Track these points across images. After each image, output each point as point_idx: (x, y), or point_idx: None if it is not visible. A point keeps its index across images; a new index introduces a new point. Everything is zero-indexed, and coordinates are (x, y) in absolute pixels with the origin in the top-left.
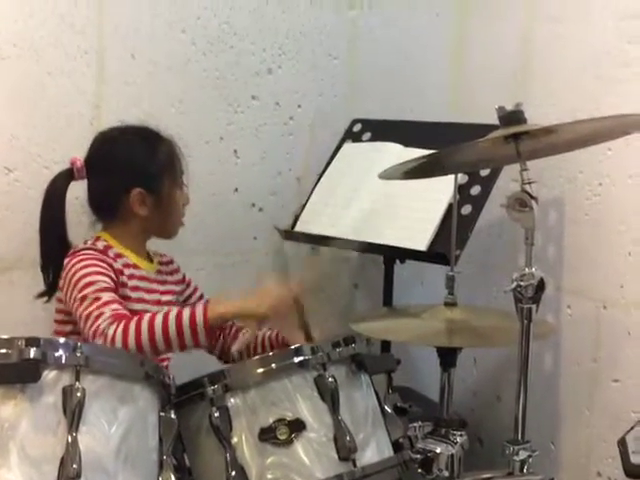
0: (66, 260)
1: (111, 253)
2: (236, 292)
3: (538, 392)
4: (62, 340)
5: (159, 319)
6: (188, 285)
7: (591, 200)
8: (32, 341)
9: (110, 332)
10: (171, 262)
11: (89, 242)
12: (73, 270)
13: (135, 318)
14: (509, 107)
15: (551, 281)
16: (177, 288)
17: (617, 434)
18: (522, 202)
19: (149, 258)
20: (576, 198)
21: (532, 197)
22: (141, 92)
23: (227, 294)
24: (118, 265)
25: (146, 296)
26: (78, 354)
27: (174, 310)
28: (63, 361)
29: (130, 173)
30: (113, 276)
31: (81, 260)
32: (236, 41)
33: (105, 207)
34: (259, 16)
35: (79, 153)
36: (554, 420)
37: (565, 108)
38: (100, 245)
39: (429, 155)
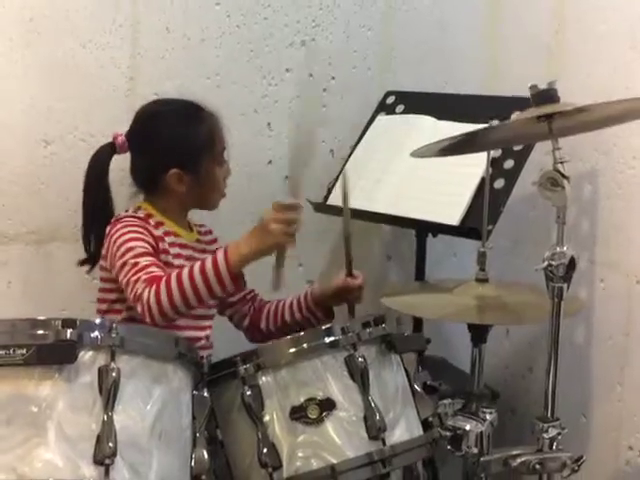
0: (108, 228)
1: (152, 221)
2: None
3: (570, 366)
4: (98, 321)
5: (185, 273)
6: None
7: (625, 174)
8: (69, 322)
9: (145, 296)
10: (210, 232)
11: (130, 210)
12: (115, 237)
13: (164, 278)
14: (542, 85)
15: (584, 255)
16: None
17: None
18: (554, 181)
19: (189, 228)
20: (610, 172)
21: (564, 176)
22: (175, 65)
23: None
24: (159, 233)
25: (187, 264)
26: (113, 335)
27: (197, 262)
28: (99, 342)
29: (168, 153)
30: (152, 242)
31: (122, 227)
32: (270, 13)
33: (145, 182)
34: None
35: (115, 125)
36: (585, 394)
37: (599, 80)
38: (141, 214)
39: (462, 134)
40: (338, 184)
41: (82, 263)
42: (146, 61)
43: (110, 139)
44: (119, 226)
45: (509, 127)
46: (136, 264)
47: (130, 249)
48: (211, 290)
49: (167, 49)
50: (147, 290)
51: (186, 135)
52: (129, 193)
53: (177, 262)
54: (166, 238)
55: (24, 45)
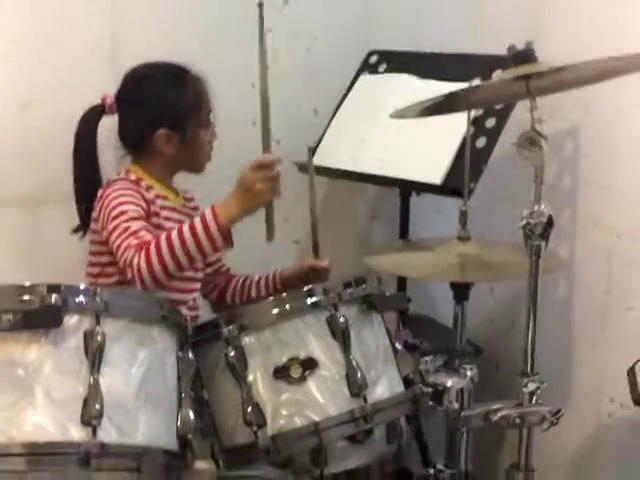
0: (100, 191)
1: (143, 184)
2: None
3: (551, 321)
4: (82, 286)
5: (174, 235)
6: None
7: (606, 131)
8: (53, 288)
9: (135, 262)
10: (192, 199)
11: (122, 174)
12: (107, 200)
13: (153, 242)
14: (520, 45)
15: (566, 212)
16: None
17: (629, 363)
18: (532, 141)
19: (175, 192)
20: (591, 129)
21: (541, 136)
22: (159, 26)
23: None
24: (150, 196)
25: (175, 227)
26: (98, 299)
27: (186, 223)
28: (84, 306)
29: (156, 113)
30: (144, 205)
31: (114, 190)
32: None
33: (134, 143)
34: None
35: (98, 89)
36: (567, 349)
37: (581, 36)
38: (132, 176)
39: (441, 96)
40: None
41: (76, 230)
42: (129, 24)
43: (95, 101)
44: (111, 189)
45: (488, 88)
46: (127, 228)
47: (122, 212)
48: (202, 249)
49: (149, 8)
50: (137, 255)
51: (174, 96)
52: (117, 156)
53: (168, 224)
54: (157, 201)
55: (7, 11)
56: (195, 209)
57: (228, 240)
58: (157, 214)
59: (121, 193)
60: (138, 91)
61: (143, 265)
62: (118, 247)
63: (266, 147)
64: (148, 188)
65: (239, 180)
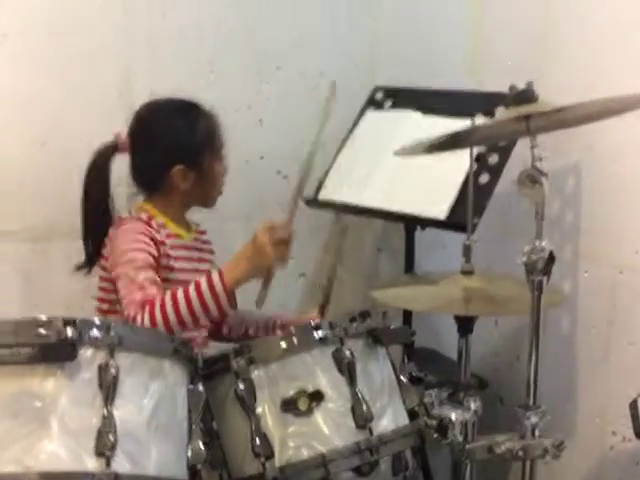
0: (111, 230)
1: (154, 224)
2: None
3: (556, 354)
4: (97, 320)
5: (180, 295)
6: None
7: (608, 168)
8: (69, 321)
9: (138, 319)
10: (204, 232)
11: (133, 212)
12: (117, 242)
13: (158, 300)
14: (521, 85)
15: (569, 247)
16: (211, 257)
17: (631, 395)
18: (533, 178)
19: (188, 227)
20: (593, 166)
21: (542, 173)
22: (170, 61)
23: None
24: (161, 236)
25: (186, 265)
26: (112, 333)
27: (192, 284)
28: (98, 340)
29: (172, 150)
30: (153, 251)
31: (125, 233)
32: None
33: (148, 181)
34: None
35: (110, 124)
36: (571, 381)
37: (583, 74)
38: (144, 216)
39: (445, 135)
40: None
41: (79, 268)
42: (140, 60)
43: (105, 137)
44: (123, 231)
45: (490, 126)
46: (133, 280)
47: (130, 261)
48: (207, 311)
49: (160, 48)
50: (140, 313)
51: (187, 132)
52: (127, 194)
53: (178, 265)
54: (167, 241)
55: (19, 46)
56: (206, 243)
57: (232, 301)
58: (168, 255)
59: (131, 238)
60: (151, 129)
61: (147, 323)
62: (123, 298)
63: (292, 213)
64: (160, 227)
65: (252, 239)
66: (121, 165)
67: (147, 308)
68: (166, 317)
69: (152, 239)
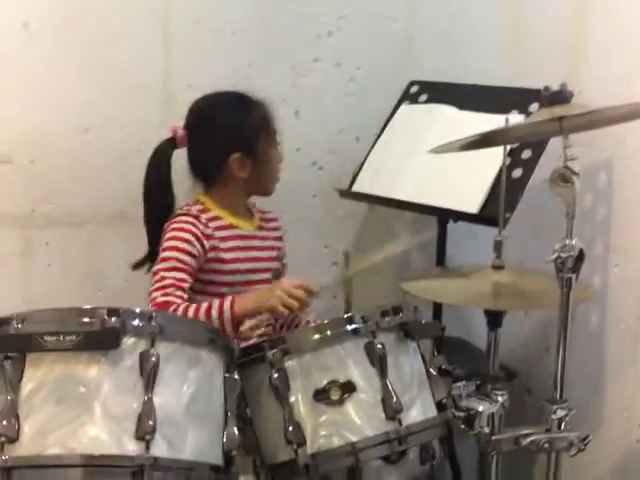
0: (166, 225)
1: (204, 218)
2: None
3: (585, 347)
4: (139, 310)
5: (192, 310)
6: (284, 246)
7: (639, 163)
8: (113, 311)
9: None
10: (275, 219)
11: (185, 207)
12: (165, 236)
13: (173, 306)
14: (555, 86)
15: (599, 241)
16: (278, 244)
17: None
18: (564, 177)
19: (250, 214)
20: (625, 161)
21: (574, 173)
22: (207, 57)
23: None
24: (209, 230)
25: (241, 255)
26: (153, 323)
27: (205, 304)
28: (140, 329)
29: (228, 139)
30: (194, 250)
31: (172, 228)
32: (297, 6)
33: (206, 172)
34: None
35: (150, 115)
36: (599, 375)
37: (619, 73)
38: (195, 210)
39: (479, 134)
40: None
41: (137, 265)
42: (179, 53)
43: (145, 126)
44: (171, 226)
45: (524, 126)
46: (162, 278)
47: (165, 259)
48: None
49: (198, 41)
50: None
51: (241, 120)
52: (186, 187)
53: (229, 256)
54: (216, 233)
55: (63, 39)
56: (275, 229)
57: (237, 329)
58: (216, 248)
59: (175, 235)
60: (206, 121)
61: None
62: (149, 292)
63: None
64: (210, 220)
65: (276, 281)
66: (181, 159)
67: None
68: None
69: (196, 236)
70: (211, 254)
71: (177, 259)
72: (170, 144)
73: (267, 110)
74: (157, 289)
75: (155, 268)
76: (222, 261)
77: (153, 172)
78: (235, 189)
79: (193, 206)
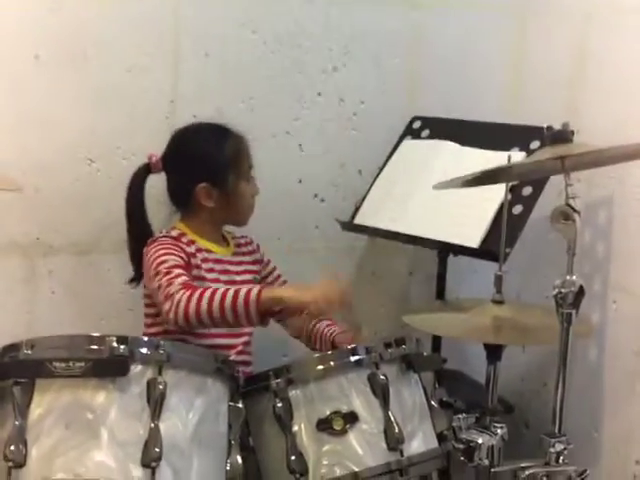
0: (145, 248)
1: (184, 239)
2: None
3: (583, 382)
4: (146, 338)
5: (219, 293)
6: (267, 264)
7: (638, 201)
8: (121, 339)
9: (177, 296)
10: (250, 243)
11: (164, 231)
12: (149, 255)
13: (201, 288)
14: (557, 125)
15: (598, 277)
16: (255, 267)
17: None
18: (565, 215)
19: (225, 241)
20: (625, 199)
21: (575, 211)
22: (213, 89)
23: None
24: (191, 249)
25: (222, 277)
26: (161, 351)
27: (234, 288)
28: (148, 357)
29: (197, 168)
30: (185, 257)
31: (156, 246)
32: (303, 40)
33: (178, 200)
34: (325, 17)
35: (155, 145)
36: (598, 410)
37: (617, 113)
38: (174, 233)
39: (482, 171)
40: None
41: (130, 281)
42: (186, 85)
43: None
44: (153, 245)
45: (526, 164)
46: (169, 272)
47: (163, 262)
48: (237, 316)
49: (206, 74)
50: (182, 291)
51: (214, 151)
52: (167, 213)
53: (210, 276)
54: (198, 254)
55: (73, 70)
56: (252, 252)
57: (265, 319)
58: (198, 266)
59: (162, 247)
60: (181, 149)
61: (183, 302)
62: (159, 286)
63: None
64: (189, 242)
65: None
66: (163, 185)
67: (189, 290)
68: (199, 304)
69: (181, 248)
70: (194, 271)
71: (174, 260)
72: (144, 169)
73: (243, 144)
74: (171, 278)
75: (154, 272)
76: (203, 279)
77: (130, 195)
78: (205, 217)
79: (171, 231)
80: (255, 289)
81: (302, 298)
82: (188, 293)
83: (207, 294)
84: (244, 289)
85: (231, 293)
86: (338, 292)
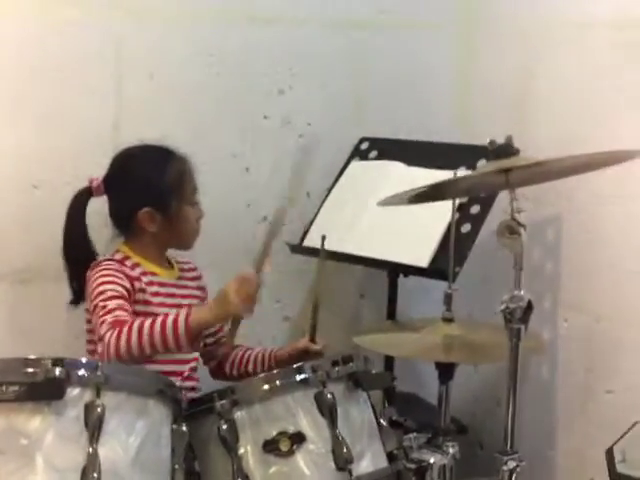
0: (88, 272)
1: (128, 263)
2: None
3: (536, 400)
4: (84, 360)
5: (147, 324)
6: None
7: (586, 219)
8: (57, 361)
9: (106, 337)
10: (194, 269)
11: (107, 255)
12: (91, 282)
13: (128, 323)
14: (500, 139)
15: (548, 296)
16: (199, 293)
17: (608, 443)
18: (511, 229)
19: (170, 265)
20: (573, 216)
21: (521, 225)
22: (158, 112)
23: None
24: (135, 273)
25: (167, 300)
26: (99, 373)
27: (160, 316)
28: (85, 379)
29: (139, 193)
30: (127, 284)
31: (98, 271)
32: (249, 62)
33: (121, 224)
34: (271, 39)
35: (100, 170)
36: (550, 427)
37: (565, 131)
38: (118, 256)
39: (427, 186)
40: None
41: (70, 302)
42: (130, 108)
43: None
44: (96, 270)
45: (471, 179)
46: (104, 307)
47: (101, 292)
48: (166, 345)
49: (150, 97)
50: (110, 332)
51: (156, 175)
52: (110, 236)
53: (156, 300)
54: (143, 278)
55: (15, 98)
56: (195, 279)
57: (193, 343)
58: (143, 290)
59: (103, 274)
60: (122, 172)
61: (112, 342)
62: (96, 323)
63: (259, 265)
64: (134, 265)
65: (220, 291)
66: (106, 208)
67: (117, 328)
68: (130, 341)
69: (124, 273)
70: (139, 295)
71: (112, 290)
72: (85, 193)
73: (186, 167)
74: (103, 314)
75: (93, 305)
76: (148, 303)
77: (69, 219)
78: (148, 241)
79: (115, 254)
80: (182, 316)
81: (226, 310)
82: (116, 333)
83: (135, 327)
84: (170, 317)
85: (159, 323)
86: (251, 284)
